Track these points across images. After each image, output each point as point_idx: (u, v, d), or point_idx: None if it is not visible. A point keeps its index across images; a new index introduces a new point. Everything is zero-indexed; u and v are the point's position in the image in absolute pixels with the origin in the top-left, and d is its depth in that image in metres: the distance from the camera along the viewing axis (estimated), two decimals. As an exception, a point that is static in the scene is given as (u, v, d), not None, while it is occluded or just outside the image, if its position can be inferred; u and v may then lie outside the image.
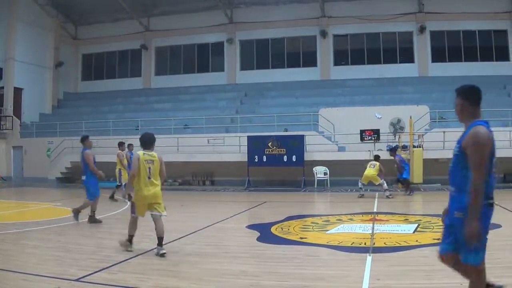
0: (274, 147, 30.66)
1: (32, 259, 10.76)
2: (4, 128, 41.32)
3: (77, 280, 8.73)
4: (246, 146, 31.61)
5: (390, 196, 24.26)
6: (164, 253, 10.70)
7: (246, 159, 31.34)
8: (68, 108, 47.29)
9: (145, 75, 47.09)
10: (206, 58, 45.59)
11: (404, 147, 29.77)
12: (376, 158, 25.96)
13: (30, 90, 44.08)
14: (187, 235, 13.50)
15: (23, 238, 13.63)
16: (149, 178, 11.15)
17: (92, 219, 15.88)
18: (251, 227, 15.10)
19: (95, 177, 16.00)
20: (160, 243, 10.92)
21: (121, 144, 24.62)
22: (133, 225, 11.44)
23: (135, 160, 11.24)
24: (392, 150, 27.07)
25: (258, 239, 12.89)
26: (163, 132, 34.08)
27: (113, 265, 9.86)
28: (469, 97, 5.95)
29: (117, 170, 23.86)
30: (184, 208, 21.07)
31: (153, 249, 11.09)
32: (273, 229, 14.33)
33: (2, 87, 42.42)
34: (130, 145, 24.47)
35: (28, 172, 40.01)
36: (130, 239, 11.46)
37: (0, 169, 40.67)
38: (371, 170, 25.27)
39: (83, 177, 16.38)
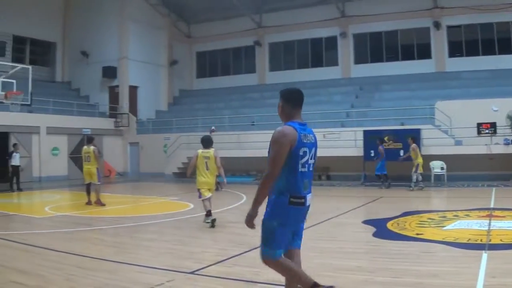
0: (390, 142, 30.10)
1: (147, 252, 11.02)
2: (120, 125, 42.36)
3: (192, 273, 8.83)
4: (362, 141, 31.18)
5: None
6: (210, 221, 14.27)
7: (362, 154, 30.96)
8: (183, 105, 48.18)
9: (260, 71, 47.38)
10: (319, 52, 45.22)
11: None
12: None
13: (145, 88, 45.25)
14: (303, 229, 13.32)
15: (139, 232, 13.96)
16: (207, 169, 14.65)
17: None
18: (367, 222, 14.80)
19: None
20: (209, 214, 14.44)
21: None
22: (205, 204, 14.67)
23: (194, 156, 14.88)
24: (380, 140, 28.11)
25: (374, 234, 12.64)
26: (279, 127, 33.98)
27: (228, 259, 9.91)
28: (288, 100, 6.31)
29: None
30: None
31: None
32: (389, 225, 14.02)
33: (117, 86, 43.71)
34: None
35: (144, 167, 40.87)
36: (207, 214, 14.57)
37: (117, 165, 41.65)
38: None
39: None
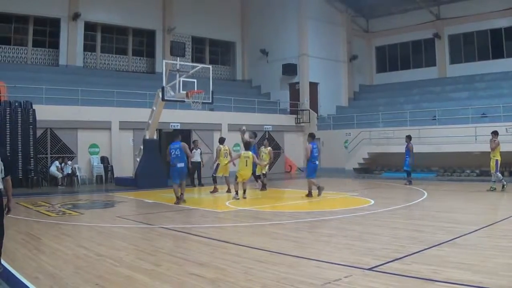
0: None
1: (326, 247, 11.01)
2: (301, 121, 42.86)
3: (370, 269, 8.73)
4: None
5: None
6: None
7: (546, 149, 29.57)
8: (364, 100, 48.30)
9: (440, 64, 46.28)
10: (499, 43, 43.26)
11: None
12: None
13: (325, 84, 45.69)
14: (482, 227, 12.88)
15: (318, 227, 14.06)
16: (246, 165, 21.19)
17: None
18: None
19: None
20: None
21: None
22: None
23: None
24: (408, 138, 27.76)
25: (557, 234, 11.96)
26: (460, 122, 33.10)
27: (407, 256, 9.68)
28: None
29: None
30: (479, 200, 20.35)
31: (448, 241, 10.89)
32: None
33: (298, 82, 44.43)
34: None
35: (325, 163, 40.77)
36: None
37: (297, 160, 42.10)
38: None
39: None
